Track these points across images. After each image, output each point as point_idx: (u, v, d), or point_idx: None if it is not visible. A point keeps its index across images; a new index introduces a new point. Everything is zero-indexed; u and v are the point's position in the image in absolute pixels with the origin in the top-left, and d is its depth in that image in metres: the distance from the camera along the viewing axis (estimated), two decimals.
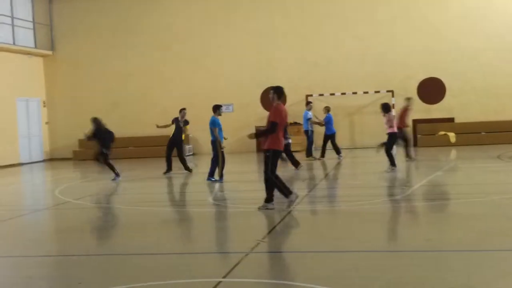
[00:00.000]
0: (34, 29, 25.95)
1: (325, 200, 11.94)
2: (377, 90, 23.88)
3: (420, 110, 23.34)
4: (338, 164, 18.72)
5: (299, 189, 11.89)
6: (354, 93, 24.06)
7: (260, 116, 24.68)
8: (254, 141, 24.95)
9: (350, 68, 24.47)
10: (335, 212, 10.52)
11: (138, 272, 6.69)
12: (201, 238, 8.49)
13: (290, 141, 17.16)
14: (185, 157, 17.89)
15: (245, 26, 25.29)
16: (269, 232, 8.49)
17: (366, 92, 24.05)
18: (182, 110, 17.84)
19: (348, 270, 6.30)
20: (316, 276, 6.10)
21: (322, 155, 19.85)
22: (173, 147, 17.23)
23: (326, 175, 16.46)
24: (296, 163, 16.82)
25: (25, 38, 25.42)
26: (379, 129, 20.61)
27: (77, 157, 25.11)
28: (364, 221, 9.09)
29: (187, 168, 17.24)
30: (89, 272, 6.86)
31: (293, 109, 24.10)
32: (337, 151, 19.86)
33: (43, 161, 25.75)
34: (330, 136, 19.93)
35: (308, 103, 21.27)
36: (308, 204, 11.03)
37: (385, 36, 24.37)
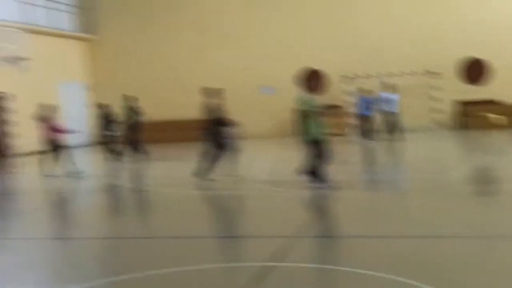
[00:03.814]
0: (77, 13, 26.33)
1: (381, 184, 11.93)
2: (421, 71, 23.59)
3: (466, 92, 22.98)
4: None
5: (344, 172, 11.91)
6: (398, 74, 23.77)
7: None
8: (293, 125, 24.99)
9: (392, 49, 24.22)
10: (389, 195, 10.50)
11: (182, 255, 6.86)
12: (249, 221, 8.61)
13: None
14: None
15: (285, 7, 25.22)
16: (316, 216, 8.56)
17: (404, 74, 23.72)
18: None
19: (400, 255, 6.31)
20: (365, 262, 6.12)
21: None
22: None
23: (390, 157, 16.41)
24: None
25: (70, 22, 25.83)
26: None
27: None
28: (415, 206, 9.08)
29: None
30: (139, 255, 7.07)
31: (331, 91, 24.07)
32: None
33: (87, 145, 26.21)
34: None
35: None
36: (359, 188, 11.08)
37: (431, 17, 23.99)
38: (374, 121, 20.19)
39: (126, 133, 17.42)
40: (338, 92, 23.94)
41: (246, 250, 6.99)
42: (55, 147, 14.71)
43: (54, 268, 6.75)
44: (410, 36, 24.06)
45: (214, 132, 11.70)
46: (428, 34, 23.89)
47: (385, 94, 20.33)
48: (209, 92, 12.76)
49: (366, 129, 20.06)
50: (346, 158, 15.93)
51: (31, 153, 18.41)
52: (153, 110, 26.14)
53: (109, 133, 17.32)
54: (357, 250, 6.65)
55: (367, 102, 20.04)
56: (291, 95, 24.69)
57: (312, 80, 23.45)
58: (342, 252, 6.74)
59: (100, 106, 17.99)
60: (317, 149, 10.21)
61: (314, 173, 10.28)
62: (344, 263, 6.07)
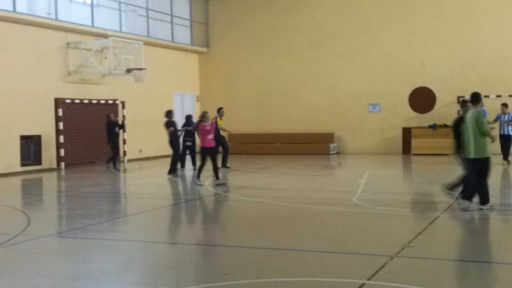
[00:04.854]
0: (191, 27, 27.30)
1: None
2: None
3: None
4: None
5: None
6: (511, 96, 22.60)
7: (408, 117, 24.09)
8: (400, 142, 24.44)
9: (508, 70, 23.09)
10: (493, 220, 10.02)
11: (283, 266, 6.85)
12: (346, 238, 8.47)
13: None
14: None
15: (396, 24, 24.74)
16: (416, 236, 8.28)
17: None
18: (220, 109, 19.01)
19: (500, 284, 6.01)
20: (465, 286, 5.89)
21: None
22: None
23: None
24: None
25: (183, 35, 26.83)
26: None
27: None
28: None
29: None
30: (235, 263, 7.14)
31: (444, 111, 23.31)
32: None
33: (197, 152, 26.97)
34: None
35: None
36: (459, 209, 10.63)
37: None
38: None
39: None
40: (450, 111, 23.10)
41: (347, 266, 6.87)
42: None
43: (152, 270, 6.94)
44: None
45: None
46: None
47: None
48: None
49: (505, 150, 18.95)
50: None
51: (145, 158, 19.19)
52: (260, 123, 26.57)
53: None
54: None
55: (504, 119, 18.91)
56: (399, 113, 24.33)
57: (422, 99, 22.89)
58: (438, 275, 6.45)
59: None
60: (482, 168, 9.89)
61: (469, 191, 10.13)
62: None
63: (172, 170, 17.14)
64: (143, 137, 23.47)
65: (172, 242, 8.70)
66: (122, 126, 20.00)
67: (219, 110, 18.97)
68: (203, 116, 15.00)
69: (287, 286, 6.06)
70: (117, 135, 19.43)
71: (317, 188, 14.68)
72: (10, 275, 6.67)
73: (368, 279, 6.12)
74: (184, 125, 18.85)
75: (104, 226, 9.78)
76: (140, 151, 23.56)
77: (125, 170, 19.66)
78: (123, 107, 21.89)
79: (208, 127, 14.73)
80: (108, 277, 6.58)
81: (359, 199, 11.90)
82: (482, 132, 9.86)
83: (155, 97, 24.30)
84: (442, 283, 6.08)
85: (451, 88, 23.23)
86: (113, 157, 19.25)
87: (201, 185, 14.48)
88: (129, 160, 22.07)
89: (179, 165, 17.90)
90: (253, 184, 15.33)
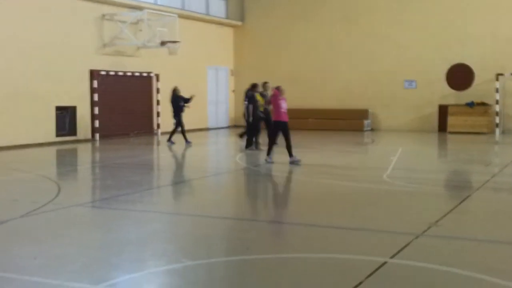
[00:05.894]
0: (226, 0, 27.13)
1: None
2: None
3: None
4: None
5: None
6: None
7: (444, 94, 23.62)
8: (436, 120, 23.99)
9: None
10: None
11: (305, 242, 6.81)
12: (373, 215, 8.37)
13: None
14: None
15: (435, 0, 24.17)
16: (444, 215, 8.13)
17: None
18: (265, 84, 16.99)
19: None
20: (489, 267, 5.75)
21: None
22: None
23: None
24: None
25: (218, 8, 26.70)
26: None
27: None
28: None
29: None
30: (258, 237, 7.13)
31: (483, 87, 22.81)
32: None
33: (228, 127, 27.06)
34: None
35: None
36: (492, 189, 10.41)
37: None
38: None
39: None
40: (488, 89, 22.55)
41: (371, 243, 6.78)
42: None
43: (175, 242, 6.97)
44: None
45: None
46: None
47: None
48: None
49: None
50: None
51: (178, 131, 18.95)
52: (294, 98, 26.42)
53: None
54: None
55: None
56: (436, 90, 23.86)
57: (460, 75, 22.41)
58: (464, 255, 6.32)
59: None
60: None
61: None
62: (468, 267, 5.69)
63: (249, 144, 16.61)
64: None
65: (201, 215, 8.73)
66: (187, 100, 18.85)
67: (265, 85, 17.00)
68: (278, 88, 13.77)
69: (304, 262, 6.02)
70: (181, 109, 18.75)
71: (348, 165, 14.53)
72: (35, 243, 6.78)
73: (391, 257, 6.03)
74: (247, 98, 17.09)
75: (134, 197, 9.87)
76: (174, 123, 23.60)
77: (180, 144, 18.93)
78: (157, 80, 21.97)
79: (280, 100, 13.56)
80: (132, 246, 6.64)
81: (389, 176, 11.74)
82: None
83: (189, 71, 24.33)
84: (465, 263, 5.96)
85: (489, 65, 22.63)
86: (173, 131, 18.85)
87: (272, 162, 13.63)
88: (162, 133, 22.20)
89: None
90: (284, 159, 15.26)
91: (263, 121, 16.54)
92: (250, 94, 16.80)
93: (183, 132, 18.78)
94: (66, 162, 15.88)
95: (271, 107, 14.12)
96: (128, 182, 11.41)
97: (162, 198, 10.22)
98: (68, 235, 7.19)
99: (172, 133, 18.98)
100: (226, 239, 7.25)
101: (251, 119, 16.55)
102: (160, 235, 7.28)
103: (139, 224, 7.82)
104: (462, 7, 23.59)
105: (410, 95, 24.67)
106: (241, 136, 17.84)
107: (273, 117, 13.94)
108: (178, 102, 18.69)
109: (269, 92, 15.37)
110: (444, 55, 23.54)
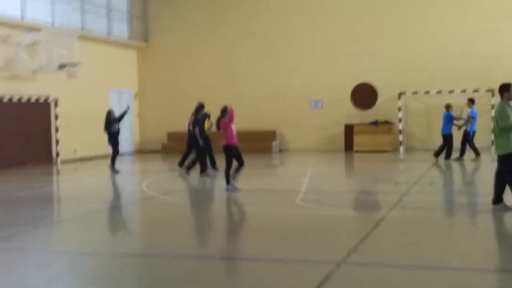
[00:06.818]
0: (128, 21, 26.39)
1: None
2: (476, 89, 22.47)
3: None
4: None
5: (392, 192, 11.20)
6: (451, 91, 22.70)
7: (349, 113, 23.96)
8: (342, 140, 24.26)
9: (448, 66, 23.21)
10: (441, 220, 9.77)
11: (208, 276, 6.36)
12: (289, 243, 8.03)
13: None
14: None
15: (337, 20, 24.56)
16: (363, 239, 7.91)
17: (463, 91, 22.57)
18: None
19: None
20: None
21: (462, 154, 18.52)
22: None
23: None
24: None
25: (120, 29, 25.89)
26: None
27: (166, 150, 25.29)
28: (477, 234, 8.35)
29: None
30: (172, 275, 6.60)
31: (386, 106, 23.32)
32: (477, 151, 18.44)
33: (133, 153, 26.15)
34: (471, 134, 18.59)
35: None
36: (405, 209, 10.38)
37: (489, 34, 22.88)
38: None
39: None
40: (391, 108, 23.11)
41: (286, 276, 6.42)
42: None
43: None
44: (472, 52, 22.95)
45: None
46: (488, 51, 22.77)
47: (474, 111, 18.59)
48: None
49: (448, 148, 18.47)
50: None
51: (80, 159, 18.16)
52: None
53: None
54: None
55: (450, 119, 18.57)
56: (342, 110, 24.16)
57: (363, 95, 22.82)
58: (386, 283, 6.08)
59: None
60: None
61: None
62: None
63: (203, 169, 15.74)
64: (78, 136, 22.45)
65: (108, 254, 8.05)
66: (124, 114, 17.76)
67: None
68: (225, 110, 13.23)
69: None
70: (118, 132, 17.61)
71: (259, 188, 14.19)
72: None
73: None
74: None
75: (33, 234, 9.01)
76: (75, 151, 22.51)
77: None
78: (56, 105, 20.86)
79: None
80: None
81: (302, 200, 11.50)
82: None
83: (90, 94, 23.31)
84: None
85: (392, 84, 23.20)
86: (113, 157, 17.47)
87: (237, 188, 12.52)
88: (62, 162, 21.05)
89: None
90: (186, 186, 14.75)
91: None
92: (200, 117, 16.00)
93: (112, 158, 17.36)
94: None
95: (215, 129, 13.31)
96: (25, 218, 10.49)
97: (63, 235, 9.42)
98: None
99: (113, 160, 17.49)
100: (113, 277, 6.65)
101: (201, 142, 15.80)
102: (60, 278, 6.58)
103: (39, 267, 7.06)
104: (366, 27, 24.11)
105: (316, 115, 24.86)
106: (188, 168, 16.14)
107: (225, 141, 13.03)
108: (112, 125, 17.40)
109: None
110: (348, 75, 23.91)
